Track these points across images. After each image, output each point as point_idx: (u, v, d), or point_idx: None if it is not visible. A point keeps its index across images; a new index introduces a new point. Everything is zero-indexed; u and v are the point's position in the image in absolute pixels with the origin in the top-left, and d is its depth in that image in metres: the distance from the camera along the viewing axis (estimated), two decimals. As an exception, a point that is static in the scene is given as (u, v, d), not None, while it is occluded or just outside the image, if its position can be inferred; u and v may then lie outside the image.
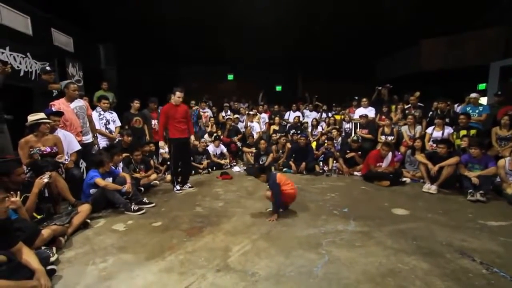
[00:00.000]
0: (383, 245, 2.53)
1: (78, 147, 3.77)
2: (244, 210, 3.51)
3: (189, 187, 4.64)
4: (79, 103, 4.17)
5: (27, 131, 3.29)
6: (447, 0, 7.05)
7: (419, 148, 5.13)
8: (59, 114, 3.65)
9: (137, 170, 4.62)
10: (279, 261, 2.26)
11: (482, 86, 8.30)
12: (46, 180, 2.71)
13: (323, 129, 7.15)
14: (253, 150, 6.47)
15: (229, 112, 8.05)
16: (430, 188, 4.29)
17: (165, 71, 10.81)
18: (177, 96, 4.38)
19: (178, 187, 4.51)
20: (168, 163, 5.36)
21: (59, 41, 5.89)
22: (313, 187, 4.64)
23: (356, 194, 4.28)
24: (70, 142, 3.67)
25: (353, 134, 6.45)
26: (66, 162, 3.55)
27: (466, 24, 8.20)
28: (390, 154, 4.99)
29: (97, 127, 4.67)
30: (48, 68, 4.23)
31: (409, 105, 6.36)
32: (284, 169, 5.89)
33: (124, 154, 4.51)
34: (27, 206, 2.51)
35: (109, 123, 4.92)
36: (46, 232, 2.36)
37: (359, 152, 5.73)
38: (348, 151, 5.85)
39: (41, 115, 3.28)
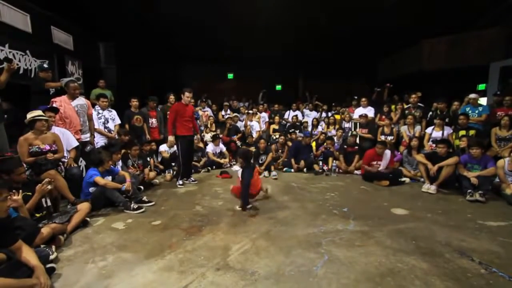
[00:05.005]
0: (383, 244, 2.54)
1: (76, 143, 3.76)
2: (243, 209, 3.51)
3: (192, 181, 4.81)
4: (81, 101, 4.16)
5: (27, 129, 3.28)
6: (448, 0, 7.04)
7: (416, 147, 5.14)
8: (54, 110, 3.63)
9: (135, 165, 4.62)
10: (279, 260, 2.27)
11: (482, 87, 8.29)
12: (49, 187, 2.71)
13: (323, 129, 7.16)
14: (253, 149, 6.45)
15: (228, 111, 8.03)
16: (429, 188, 4.30)
17: (165, 70, 10.78)
18: (186, 96, 4.57)
19: (180, 181, 4.61)
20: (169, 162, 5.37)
21: (59, 39, 5.87)
22: (313, 187, 4.65)
23: (356, 194, 4.29)
24: (67, 138, 3.66)
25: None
26: (66, 160, 3.55)
27: (466, 24, 8.20)
28: (389, 152, 4.99)
29: (96, 126, 4.64)
30: (45, 65, 4.20)
31: (409, 105, 6.37)
32: (285, 168, 5.89)
33: (122, 151, 4.51)
34: (27, 207, 2.50)
35: (107, 122, 4.89)
36: (45, 230, 2.35)
37: (356, 147, 5.82)
38: (345, 147, 5.96)
39: (38, 112, 3.27)
